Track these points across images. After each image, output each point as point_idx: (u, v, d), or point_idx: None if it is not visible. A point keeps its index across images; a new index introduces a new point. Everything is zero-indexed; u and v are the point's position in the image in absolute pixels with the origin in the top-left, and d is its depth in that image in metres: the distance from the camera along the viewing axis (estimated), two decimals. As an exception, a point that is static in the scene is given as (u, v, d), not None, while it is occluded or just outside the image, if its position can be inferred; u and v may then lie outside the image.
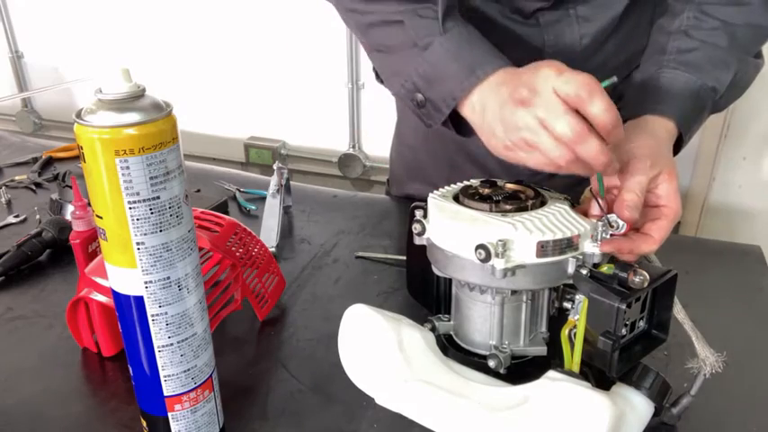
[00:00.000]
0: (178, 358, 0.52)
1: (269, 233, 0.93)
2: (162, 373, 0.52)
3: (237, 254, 0.73)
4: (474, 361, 0.64)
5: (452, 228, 0.61)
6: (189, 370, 0.53)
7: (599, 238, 0.59)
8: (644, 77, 0.76)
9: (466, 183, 0.67)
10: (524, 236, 0.57)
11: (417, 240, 0.66)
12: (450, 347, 0.67)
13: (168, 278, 0.49)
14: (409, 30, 0.72)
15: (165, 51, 2.48)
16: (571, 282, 0.59)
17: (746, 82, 0.79)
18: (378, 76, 0.90)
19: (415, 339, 0.64)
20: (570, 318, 0.59)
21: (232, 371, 0.68)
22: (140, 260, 0.48)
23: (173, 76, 2.45)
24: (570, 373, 0.57)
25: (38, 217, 1.01)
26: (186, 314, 0.51)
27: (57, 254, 0.91)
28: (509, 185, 0.65)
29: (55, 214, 0.99)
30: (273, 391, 0.66)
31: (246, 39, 2.38)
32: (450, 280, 0.68)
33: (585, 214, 0.63)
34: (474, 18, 0.78)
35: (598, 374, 0.59)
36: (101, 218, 0.47)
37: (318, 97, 2.39)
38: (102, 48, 2.58)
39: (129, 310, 0.50)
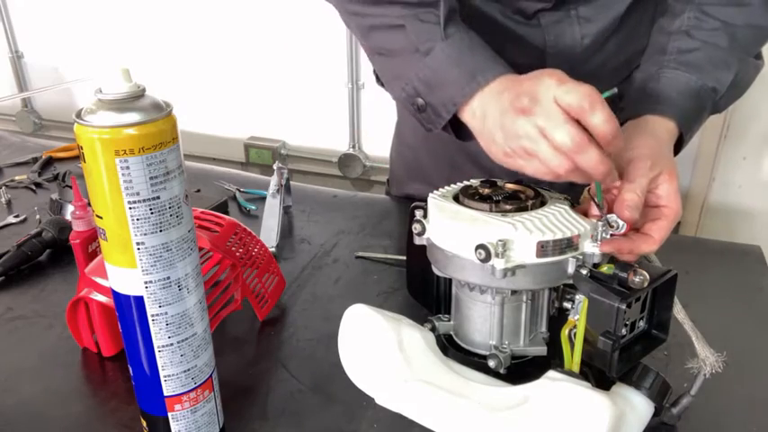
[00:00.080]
0: (178, 358, 0.52)
1: (269, 233, 0.93)
2: (162, 373, 0.52)
3: (237, 254, 0.73)
4: (474, 361, 0.64)
5: (452, 228, 0.61)
6: (189, 370, 0.53)
7: (599, 238, 0.59)
8: (644, 77, 0.76)
9: (466, 183, 0.67)
10: (524, 236, 0.57)
11: (417, 240, 0.66)
12: (451, 347, 0.67)
13: (168, 278, 0.49)
14: (410, 34, 0.72)
15: (165, 51, 2.48)
16: (571, 282, 0.59)
17: (747, 83, 0.79)
18: (378, 79, 0.90)
19: (415, 339, 0.64)
20: (570, 318, 0.59)
21: (232, 371, 0.68)
22: (140, 260, 0.48)
23: (173, 76, 2.45)
24: (570, 373, 0.57)
25: (38, 217, 1.01)
26: (186, 314, 0.51)
27: (57, 254, 0.91)
28: (509, 185, 0.65)
29: (55, 214, 0.99)
30: (273, 391, 0.66)
31: (246, 39, 2.38)
32: (450, 280, 0.68)
33: (585, 214, 0.63)
34: (475, 18, 0.78)
35: (598, 374, 0.59)
36: (101, 218, 0.47)
37: (318, 97, 2.39)
38: (102, 48, 2.58)
39: (129, 310, 0.50)
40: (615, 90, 0.59)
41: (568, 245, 0.58)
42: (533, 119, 0.59)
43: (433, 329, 0.67)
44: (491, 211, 0.61)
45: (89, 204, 0.50)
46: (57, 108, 2.84)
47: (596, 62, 0.88)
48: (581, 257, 0.59)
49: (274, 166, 1.01)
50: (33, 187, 1.12)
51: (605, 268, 0.58)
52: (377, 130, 2.32)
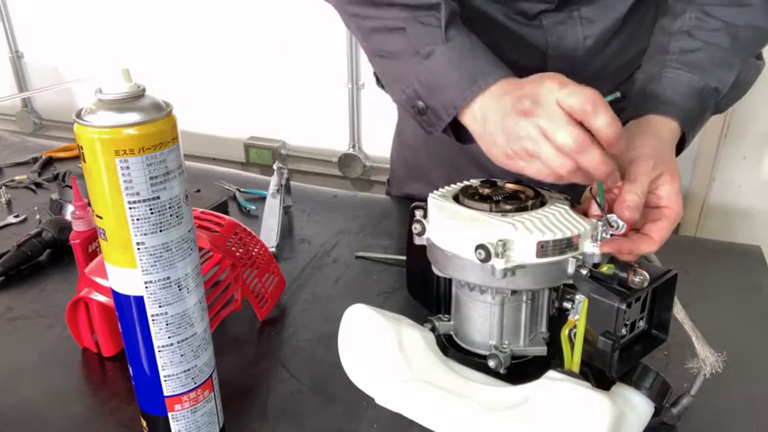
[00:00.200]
0: (178, 358, 0.52)
1: (269, 233, 0.93)
2: (162, 373, 0.52)
3: (237, 254, 0.73)
4: (474, 361, 0.64)
5: (452, 228, 0.61)
6: (189, 370, 0.53)
7: (599, 238, 0.59)
8: (646, 77, 0.76)
9: (466, 183, 0.67)
10: (524, 236, 0.57)
11: (417, 240, 0.65)
12: (451, 347, 0.67)
13: (168, 278, 0.49)
14: (411, 37, 0.71)
15: (165, 51, 2.48)
16: (571, 282, 0.59)
17: (748, 83, 0.79)
18: (378, 81, 0.90)
19: (415, 339, 0.64)
20: (570, 318, 0.59)
21: (232, 371, 0.68)
22: (140, 260, 0.48)
23: (173, 76, 2.45)
24: (570, 373, 0.57)
25: (38, 217, 1.01)
26: (186, 314, 0.51)
27: (57, 254, 0.91)
28: (509, 185, 0.65)
29: (55, 214, 0.99)
30: (273, 391, 0.66)
31: (246, 39, 2.38)
32: (450, 280, 0.68)
33: (585, 214, 0.63)
34: (476, 20, 0.77)
35: (598, 374, 0.59)
36: (101, 218, 0.47)
37: (318, 97, 2.39)
38: (102, 48, 2.58)
39: (129, 310, 0.50)
40: (618, 94, 0.59)
41: (568, 245, 0.58)
42: (535, 120, 0.59)
43: (433, 329, 0.67)
44: (491, 211, 0.61)
45: (89, 204, 0.50)
46: (57, 108, 2.84)
47: (598, 63, 0.88)
48: (581, 257, 0.59)
49: (274, 166, 1.01)
50: (33, 187, 1.12)
51: (605, 268, 0.58)
52: (377, 130, 2.32)
